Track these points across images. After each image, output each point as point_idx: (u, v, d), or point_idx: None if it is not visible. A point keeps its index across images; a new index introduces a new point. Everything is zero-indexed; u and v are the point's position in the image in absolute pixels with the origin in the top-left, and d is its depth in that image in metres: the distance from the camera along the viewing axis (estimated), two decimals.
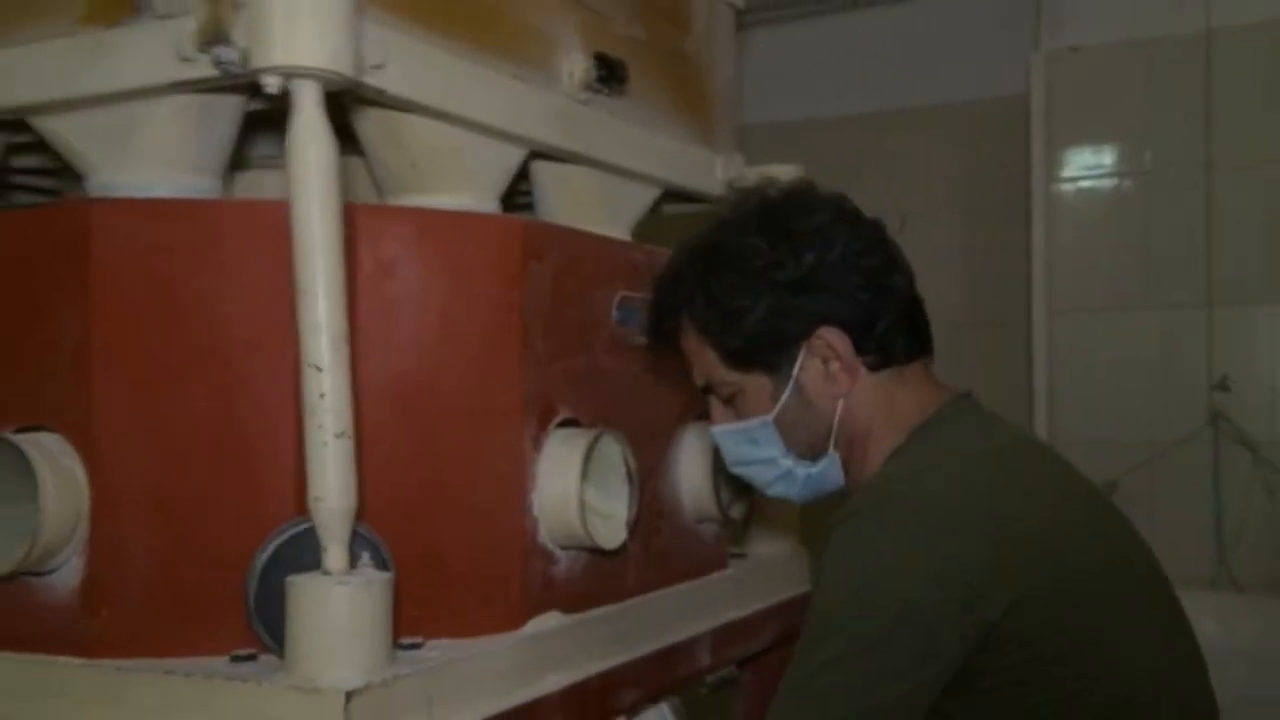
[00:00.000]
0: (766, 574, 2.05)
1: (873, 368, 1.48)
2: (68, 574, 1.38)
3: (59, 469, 1.35)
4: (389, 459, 1.42)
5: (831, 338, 1.45)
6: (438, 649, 1.39)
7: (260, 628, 1.33)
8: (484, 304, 1.50)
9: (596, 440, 1.56)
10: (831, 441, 1.51)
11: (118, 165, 1.46)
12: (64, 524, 1.35)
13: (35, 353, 1.42)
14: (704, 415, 1.83)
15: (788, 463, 1.53)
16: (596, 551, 1.58)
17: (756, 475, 1.58)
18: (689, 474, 1.85)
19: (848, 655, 1.29)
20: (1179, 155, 3.44)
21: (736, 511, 1.94)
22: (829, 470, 1.53)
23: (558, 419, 1.58)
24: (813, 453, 1.52)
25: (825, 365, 1.47)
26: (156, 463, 1.38)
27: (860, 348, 1.47)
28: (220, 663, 1.33)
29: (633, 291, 1.72)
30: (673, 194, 1.99)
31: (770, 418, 1.50)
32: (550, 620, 1.53)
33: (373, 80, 1.34)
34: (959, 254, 4.08)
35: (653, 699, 1.64)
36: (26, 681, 1.36)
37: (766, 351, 1.47)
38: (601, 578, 1.64)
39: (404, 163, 1.55)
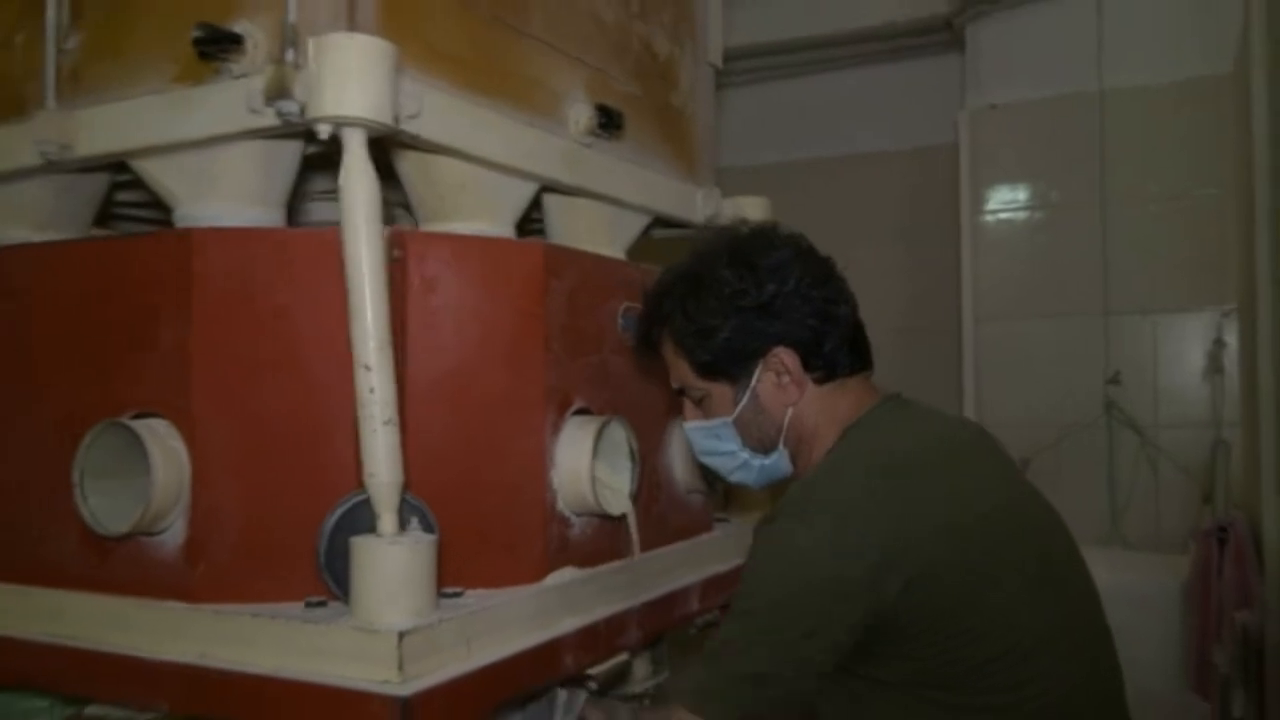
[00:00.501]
0: (744, 535, 2.03)
1: (819, 381, 1.49)
2: (173, 534, 1.38)
3: (166, 449, 1.35)
4: (435, 442, 1.41)
5: (785, 356, 1.47)
6: (474, 597, 1.40)
7: (329, 579, 1.33)
8: (512, 313, 1.50)
9: (605, 426, 1.56)
10: (781, 440, 1.52)
11: (199, 199, 1.46)
12: (170, 493, 1.35)
13: (146, 354, 1.41)
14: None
15: (744, 455, 1.54)
16: (605, 517, 1.58)
17: (719, 464, 1.59)
18: (681, 454, 1.85)
19: (765, 631, 1.34)
20: (1079, 192, 3.45)
21: (720, 485, 1.93)
22: (779, 463, 1.54)
23: (573, 408, 1.57)
24: (765, 448, 1.53)
25: (778, 378, 1.48)
26: (243, 444, 1.38)
27: (808, 365, 1.48)
28: (296, 607, 1.33)
29: (633, 303, 1.72)
30: (661, 221, 1.98)
31: (730, 419, 1.51)
32: (567, 573, 1.52)
33: (409, 127, 1.34)
34: (902, 272, 4.08)
35: (650, 643, 1.62)
36: (142, 621, 1.36)
37: (730, 364, 1.48)
38: (609, 538, 1.64)
39: (435, 195, 1.55)
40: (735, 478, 1.60)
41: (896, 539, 1.31)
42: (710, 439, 1.55)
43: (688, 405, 1.57)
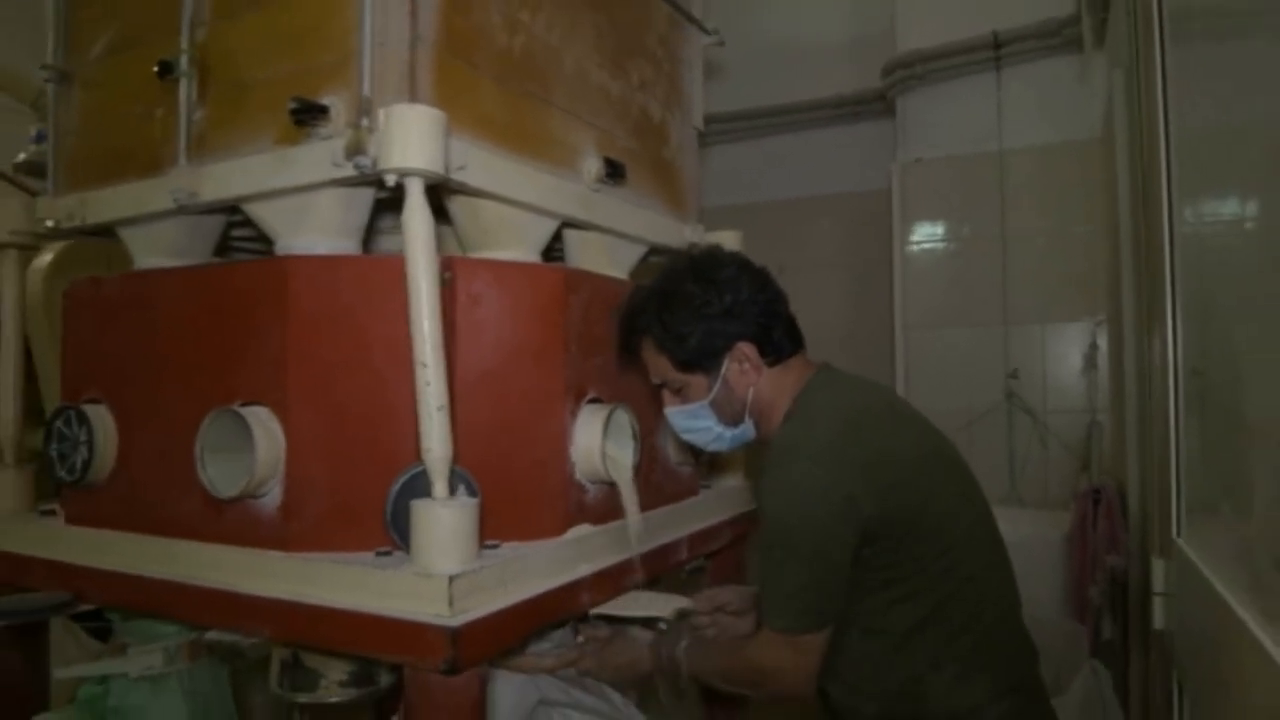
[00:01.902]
0: (724, 498, 2.02)
1: (770, 365, 1.52)
2: (272, 498, 1.36)
3: (267, 430, 1.33)
4: (478, 424, 1.39)
5: (746, 349, 1.49)
6: (509, 548, 1.37)
7: (393, 534, 1.31)
8: (539, 322, 1.47)
9: (613, 411, 1.53)
10: (746, 414, 1.53)
11: (295, 233, 1.44)
12: (269, 466, 1.33)
13: (251, 355, 1.39)
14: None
15: (719, 429, 1.55)
16: (613, 484, 1.54)
17: (696, 439, 1.59)
18: (672, 434, 1.80)
19: (792, 552, 1.38)
20: (984, 229, 3.44)
21: (704, 458, 1.91)
22: (745, 431, 1.56)
23: (587, 397, 1.54)
24: (734, 422, 1.54)
25: (740, 366, 1.50)
26: (327, 427, 1.36)
27: (763, 353, 1.50)
28: (368, 556, 1.31)
29: None
30: (655, 250, 1.94)
31: (707, 401, 1.51)
32: (583, 529, 1.50)
33: (458, 177, 1.32)
34: (846, 291, 4.06)
35: (648, 585, 1.60)
36: (248, 566, 1.34)
37: (703, 360, 1.49)
38: (616, 501, 1.60)
39: (478, 229, 1.53)
40: (712, 447, 1.61)
41: (865, 472, 1.38)
42: (689, 419, 1.55)
43: (666, 395, 1.56)
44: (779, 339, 1.52)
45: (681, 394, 1.53)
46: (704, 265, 1.52)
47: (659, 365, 1.53)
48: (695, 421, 1.55)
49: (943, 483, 1.48)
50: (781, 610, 1.40)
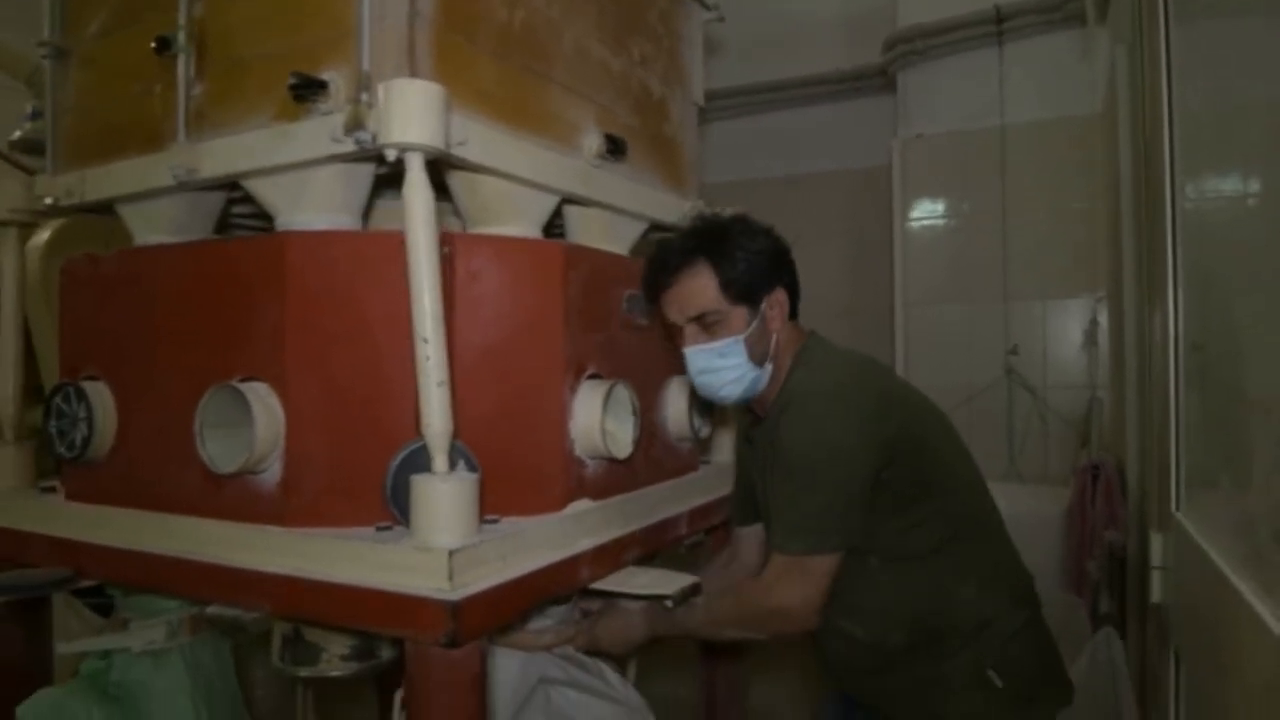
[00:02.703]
0: (722, 474, 2.02)
1: (787, 318, 1.59)
2: (272, 473, 1.36)
3: (266, 406, 1.33)
4: (479, 400, 1.38)
5: (780, 295, 1.57)
6: (509, 523, 1.37)
7: (394, 509, 1.31)
8: (538, 298, 1.47)
9: (612, 387, 1.53)
10: (769, 358, 1.56)
11: (295, 210, 1.43)
12: (269, 441, 1.33)
13: (250, 331, 1.39)
14: (681, 372, 1.81)
15: (745, 368, 1.53)
16: (612, 460, 1.54)
17: (715, 379, 1.54)
18: (672, 409, 1.82)
19: (813, 477, 1.43)
20: (984, 205, 3.42)
21: (704, 433, 1.91)
22: (762, 377, 1.56)
23: (587, 373, 1.54)
24: (760, 362, 1.55)
25: (774, 311, 1.56)
26: (326, 402, 1.35)
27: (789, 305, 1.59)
28: (369, 531, 1.31)
29: (635, 291, 1.69)
30: (656, 226, 1.93)
31: (742, 336, 1.52)
32: (582, 504, 1.50)
33: (458, 152, 1.31)
34: (848, 267, 4.04)
35: (646, 559, 1.61)
36: (248, 541, 1.34)
37: (752, 293, 1.52)
38: (615, 476, 1.61)
39: (479, 205, 1.51)
40: (725, 390, 1.55)
41: (881, 401, 1.47)
42: (714, 357, 1.52)
43: (689, 334, 1.53)
44: (795, 300, 1.60)
45: (714, 329, 1.52)
46: (742, 220, 1.59)
47: (703, 294, 1.52)
48: (721, 360, 1.52)
49: (946, 430, 1.59)
50: (796, 533, 1.43)
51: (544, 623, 1.59)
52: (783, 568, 1.45)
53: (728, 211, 1.62)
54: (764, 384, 1.57)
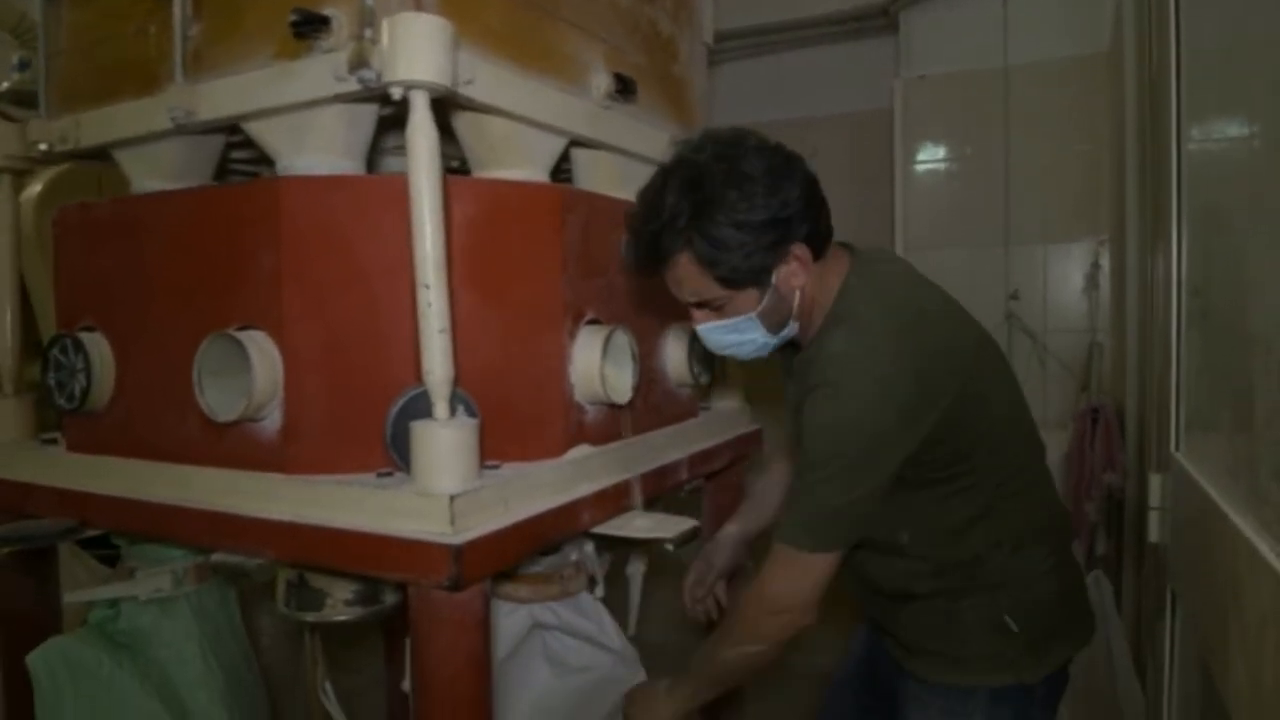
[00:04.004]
0: (722, 420, 2.02)
1: (814, 260, 1.36)
2: (272, 421, 1.35)
3: (264, 353, 1.32)
4: (479, 345, 1.37)
5: (798, 251, 1.32)
6: (509, 468, 1.37)
7: (394, 455, 1.31)
8: (537, 242, 1.45)
9: (612, 333, 1.52)
10: (793, 317, 1.38)
11: (296, 153, 1.40)
12: (268, 389, 1.32)
13: (247, 278, 1.37)
14: (681, 319, 1.80)
15: (764, 338, 1.38)
16: (612, 405, 1.54)
17: (736, 352, 1.42)
18: (672, 355, 1.81)
19: (844, 468, 1.29)
20: (987, 148, 3.39)
21: (704, 379, 1.91)
22: (789, 333, 1.41)
23: (586, 319, 1.53)
24: (781, 327, 1.38)
25: (790, 268, 1.33)
26: (326, 349, 1.35)
27: (811, 251, 1.34)
28: (370, 477, 1.31)
29: None
30: None
31: (755, 314, 1.34)
32: (582, 450, 1.49)
33: (464, 91, 1.28)
34: (850, 210, 3.96)
35: (647, 505, 1.61)
36: (250, 489, 1.34)
37: (753, 275, 1.31)
38: (615, 422, 1.60)
39: (485, 147, 1.49)
40: (750, 357, 1.44)
41: (926, 377, 1.28)
42: (729, 334, 1.38)
43: (695, 313, 1.38)
44: (825, 231, 1.36)
45: (722, 310, 1.35)
46: (734, 159, 1.29)
47: (698, 284, 1.33)
48: (738, 335, 1.38)
49: (996, 370, 1.43)
50: (806, 528, 1.32)
51: (534, 569, 1.60)
52: (784, 561, 1.34)
53: (708, 150, 1.31)
54: (794, 334, 1.42)
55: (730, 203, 1.26)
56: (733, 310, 1.35)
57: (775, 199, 1.28)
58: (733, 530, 1.86)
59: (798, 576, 1.34)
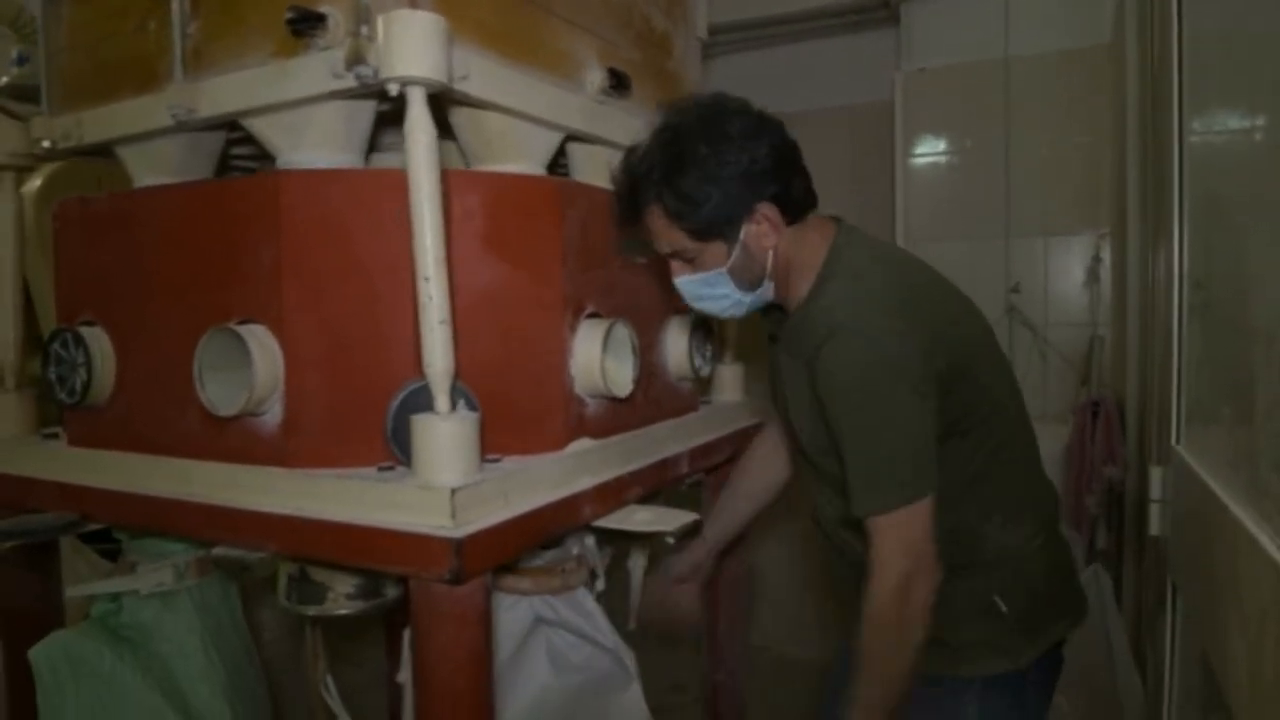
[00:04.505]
0: (723, 414, 2.03)
1: (789, 223, 1.40)
2: (272, 415, 1.36)
3: (265, 347, 1.32)
4: (479, 339, 1.38)
5: (767, 210, 1.36)
6: (510, 462, 1.37)
7: (395, 448, 1.31)
8: (536, 236, 1.45)
9: (612, 326, 1.52)
10: (766, 277, 1.42)
11: (296, 149, 1.41)
12: (268, 383, 1.32)
13: (247, 273, 1.38)
14: (680, 310, 1.80)
15: (737, 295, 1.43)
16: (613, 399, 1.54)
17: (709, 307, 1.47)
18: (673, 349, 1.81)
19: (878, 419, 1.28)
20: (987, 141, 3.37)
21: (704, 373, 1.91)
22: (764, 293, 1.45)
23: (586, 312, 1.53)
24: (753, 286, 1.43)
25: (760, 228, 1.38)
26: (326, 343, 1.35)
27: (784, 212, 1.39)
28: (371, 471, 1.31)
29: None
30: None
31: (725, 269, 1.39)
32: (583, 443, 1.49)
33: (460, 87, 1.28)
34: (850, 204, 3.97)
35: (643, 500, 1.61)
36: (251, 482, 1.35)
37: (721, 228, 1.36)
38: (616, 416, 1.61)
39: (481, 142, 1.49)
40: (728, 314, 1.49)
41: (930, 325, 1.31)
42: (703, 288, 1.43)
43: (672, 265, 1.44)
44: (799, 195, 1.40)
45: (695, 263, 1.41)
46: (713, 119, 1.35)
47: (670, 236, 1.39)
48: (711, 289, 1.43)
49: (988, 345, 1.47)
50: (875, 490, 1.28)
51: (534, 563, 1.60)
52: (882, 531, 1.29)
53: (690, 111, 1.38)
54: (769, 298, 1.47)
55: (700, 158, 1.32)
56: (703, 264, 1.40)
57: (744, 155, 1.33)
58: (697, 542, 1.84)
59: (904, 536, 1.28)
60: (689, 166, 1.33)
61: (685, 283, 1.44)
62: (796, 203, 1.40)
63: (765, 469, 1.86)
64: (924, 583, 1.28)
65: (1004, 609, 1.41)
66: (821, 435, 1.41)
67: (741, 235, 1.37)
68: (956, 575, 1.37)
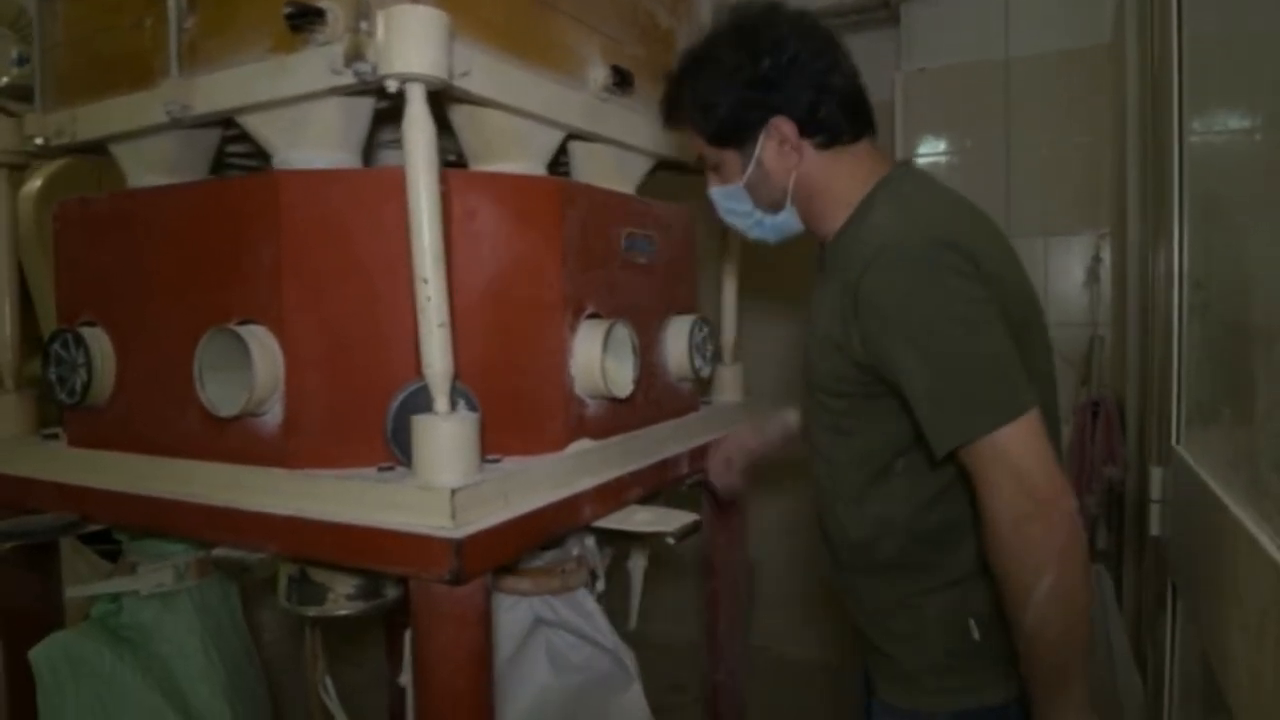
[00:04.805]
0: (723, 414, 2.02)
1: (821, 146, 1.32)
2: (273, 415, 1.36)
3: (265, 348, 1.32)
4: (479, 339, 1.38)
5: (782, 125, 1.30)
6: (510, 462, 1.37)
7: (395, 449, 1.31)
8: (536, 236, 1.45)
9: (612, 327, 1.52)
10: (788, 200, 1.36)
11: (293, 147, 1.40)
12: (268, 384, 1.32)
13: (246, 273, 1.38)
14: (682, 312, 1.80)
15: (758, 214, 1.39)
16: (613, 399, 1.54)
17: (738, 223, 1.43)
18: (673, 349, 1.81)
19: (961, 346, 1.12)
20: (987, 140, 3.37)
21: (705, 373, 1.91)
22: (789, 220, 1.38)
23: (586, 312, 1.53)
24: (774, 208, 1.38)
25: (780, 146, 1.32)
26: (326, 344, 1.35)
27: (805, 132, 1.30)
28: (371, 471, 1.31)
29: (634, 229, 1.68)
30: (664, 164, 1.91)
31: (741, 184, 1.36)
32: (583, 444, 1.49)
33: (460, 84, 1.28)
34: None
35: (643, 500, 1.61)
36: (251, 483, 1.35)
37: (734, 135, 1.33)
38: (616, 416, 1.60)
39: (482, 141, 1.49)
40: (754, 234, 1.43)
41: (997, 278, 1.17)
42: (730, 201, 1.40)
43: (710, 175, 1.42)
44: (828, 117, 1.30)
45: (719, 172, 1.39)
46: (750, 23, 1.31)
47: (695, 140, 1.39)
48: (735, 203, 1.40)
49: (1040, 318, 1.33)
50: (973, 403, 1.09)
51: (534, 564, 1.60)
52: (978, 471, 1.10)
53: (739, 14, 1.34)
54: (795, 229, 1.40)
55: (717, 61, 1.31)
56: (724, 176, 1.38)
57: (761, 64, 1.28)
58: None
59: (1005, 467, 1.08)
60: (706, 68, 1.32)
61: (713, 193, 1.42)
62: (824, 126, 1.31)
63: None
64: (1044, 518, 1.06)
65: (976, 636, 1.25)
66: (834, 368, 1.28)
67: (757, 150, 1.33)
68: (931, 583, 1.28)
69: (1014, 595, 1.10)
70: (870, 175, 1.33)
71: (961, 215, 1.28)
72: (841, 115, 1.32)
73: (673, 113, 1.42)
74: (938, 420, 1.12)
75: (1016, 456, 1.07)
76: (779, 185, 1.35)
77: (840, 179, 1.33)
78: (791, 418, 1.79)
